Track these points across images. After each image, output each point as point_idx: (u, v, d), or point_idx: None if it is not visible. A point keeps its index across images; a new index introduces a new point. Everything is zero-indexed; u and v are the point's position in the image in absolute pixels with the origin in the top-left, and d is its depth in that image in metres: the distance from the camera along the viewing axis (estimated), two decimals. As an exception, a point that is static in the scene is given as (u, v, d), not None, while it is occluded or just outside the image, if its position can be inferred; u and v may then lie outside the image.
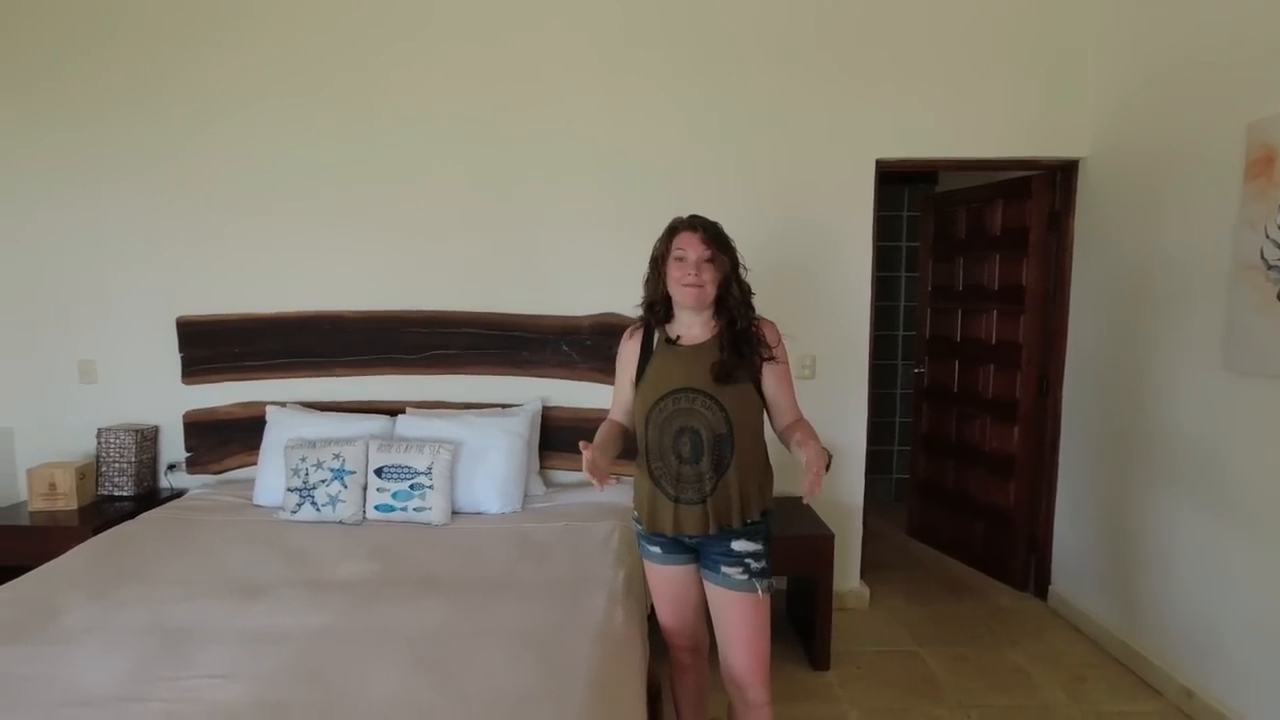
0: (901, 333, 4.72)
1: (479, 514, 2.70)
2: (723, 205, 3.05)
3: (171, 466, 3.13)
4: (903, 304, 4.69)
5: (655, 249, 1.84)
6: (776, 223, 3.00)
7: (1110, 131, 2.90)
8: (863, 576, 3.29)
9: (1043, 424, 3.27)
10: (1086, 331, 3.05)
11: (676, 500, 1.75)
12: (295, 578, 2.10)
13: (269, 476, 2.76)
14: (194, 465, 3.11)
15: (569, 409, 3.06)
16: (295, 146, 3.00)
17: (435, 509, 2.58)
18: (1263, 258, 2.14)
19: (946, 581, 3.51)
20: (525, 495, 2.82)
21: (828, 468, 1.64)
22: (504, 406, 3.00)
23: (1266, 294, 2.13)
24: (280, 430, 2.83)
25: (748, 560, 1.76)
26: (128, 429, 2.99)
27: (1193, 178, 2.46)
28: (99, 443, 2.97)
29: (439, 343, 3.07)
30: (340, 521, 2.56)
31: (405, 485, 2.59)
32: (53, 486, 2.85)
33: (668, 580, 1.88)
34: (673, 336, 1.82)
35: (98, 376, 3.11)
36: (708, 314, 1.81)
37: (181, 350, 3.07)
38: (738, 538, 1.76)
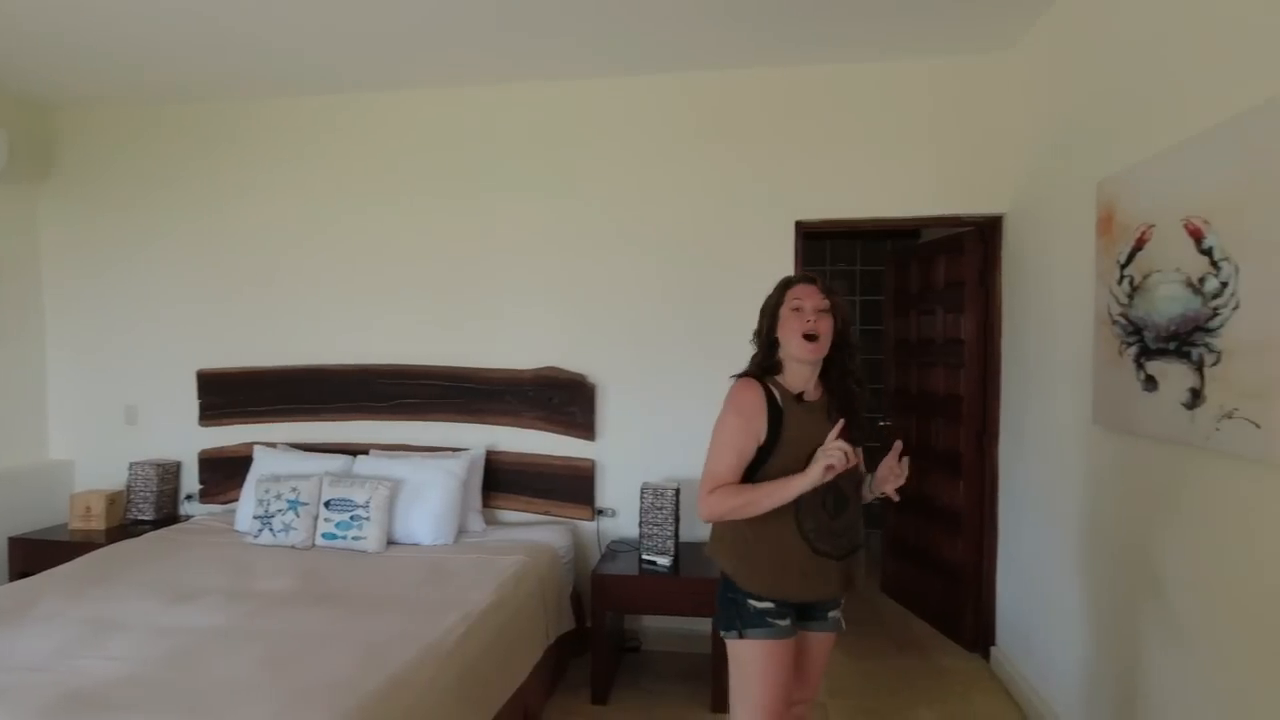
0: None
1: (414, 545, 3.02)
2: (644, 263, 3.31)
3: (189, 496, 3.67)
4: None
5: (767, 302, 1.82)
6: (700, 280, 3.24)
7: (1024, 187, 2.95)
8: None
9: (983, 478, 3.24)
10: (1013, 385, 3.05)
11: (833, 556, 1.73)
12: (223, 588, 2.49)
13: (247, 506, 3.20)
14: (205, 496, 3.64)
15: (514, 453, 3.36)
16: (288, 226, 3.57)
17: (370, 538, 2.93)
18: (1109, 313, 2.16)
19: (899, 638, 3.46)
20: (460, 530, 3.12)
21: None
22: (454, 450, 3.34)
23: (1114, 349, 2.14)
24: (260, 467, 3.29)
25: (841, 600, 1.84)
26: (153, 463, 3.55)
27: (1069, 234, 2.50)
28: (130, 474, 3.55)
29: (405, 392, 3.47)
30: (292, 546, 2.96)
31: (346, 516, 2.96)
32: (88, 509, 3.43)
33: (788, 650, 1.75)
34: (796, 393, 1.78)
35: (138, 418, 3.74)
36: (815, 369, 1.79)
37: (200, 397, 3.65)
38: None
